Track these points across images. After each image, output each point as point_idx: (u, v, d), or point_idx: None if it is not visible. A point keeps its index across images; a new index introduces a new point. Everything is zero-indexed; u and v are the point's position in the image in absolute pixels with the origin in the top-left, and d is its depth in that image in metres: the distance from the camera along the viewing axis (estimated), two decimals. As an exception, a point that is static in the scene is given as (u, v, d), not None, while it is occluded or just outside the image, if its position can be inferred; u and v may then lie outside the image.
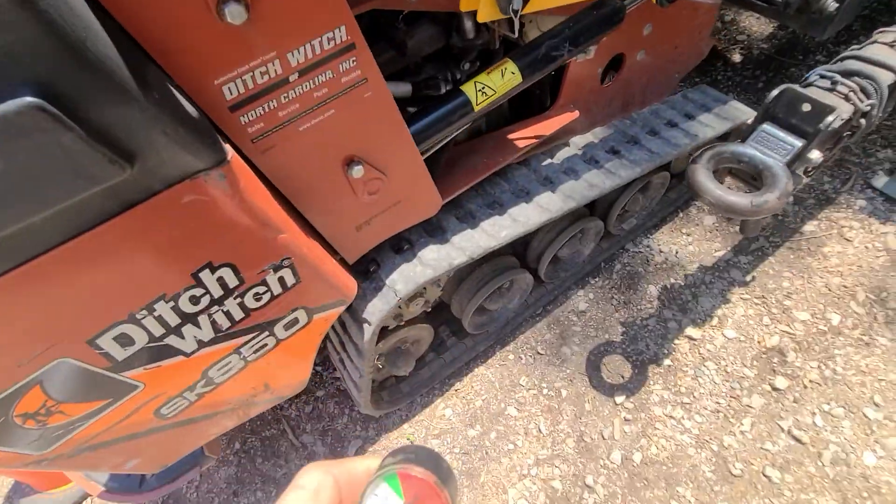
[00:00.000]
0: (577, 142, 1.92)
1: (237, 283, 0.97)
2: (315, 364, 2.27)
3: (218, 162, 0.78)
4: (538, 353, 2.07)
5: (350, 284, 1.25)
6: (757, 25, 3.18)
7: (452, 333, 2.14)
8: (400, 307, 1.63)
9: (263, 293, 1.04)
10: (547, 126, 1.71)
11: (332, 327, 1.67)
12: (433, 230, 1.55)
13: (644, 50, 1.91)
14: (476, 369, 1.97)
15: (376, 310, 1.39)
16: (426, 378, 1.91)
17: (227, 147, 0.81)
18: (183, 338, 0.98)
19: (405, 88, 1.28)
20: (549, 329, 2.03)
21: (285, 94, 0.85)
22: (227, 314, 1.02)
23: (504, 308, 2.00)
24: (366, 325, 1.41)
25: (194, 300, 0.93)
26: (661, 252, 2.35)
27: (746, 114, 2.01)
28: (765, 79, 2.87)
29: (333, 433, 2.06)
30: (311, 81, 0.86)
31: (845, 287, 2.07)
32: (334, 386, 2.19)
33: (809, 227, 2.29)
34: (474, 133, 1.75)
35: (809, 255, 2.19)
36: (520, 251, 2.14)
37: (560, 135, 1.92)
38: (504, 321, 1.99)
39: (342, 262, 1.33)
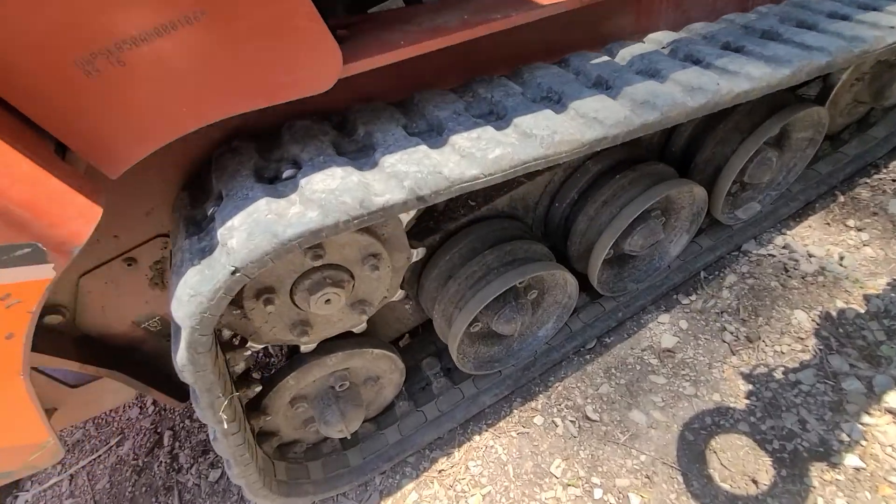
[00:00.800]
0: (659, 38, 1.08)
1: None
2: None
3: None
4: (587, 417, 1.17)
5: (73, 208, 0.50)
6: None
7: (443, 372, 1.31)
8: (298, 306, 0.84)
9: None
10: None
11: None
12: (355, 149, 0.78)
13: None
14: (477, 437, 1.13)
15: (188, 291, 0.62)
16: (390, 445, 1.13)
17: None
18: None
19: None
20: (607, 377, 1.16)
21: None
22: None
23: (529, 334, 1.15)
24: (181, 326, 0.65)
25: None
26: (810, 258, 1.38)
27: None
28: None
29: (239, 523, 1.27)
30: None
31: None
32: (258, 442, 1.41)
33: None
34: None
35: None
36: (558, 238, 1.29)
37: (624, 25, 1.10)
38: (528, 357, 1.13)
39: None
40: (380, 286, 0.93)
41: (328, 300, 0.83)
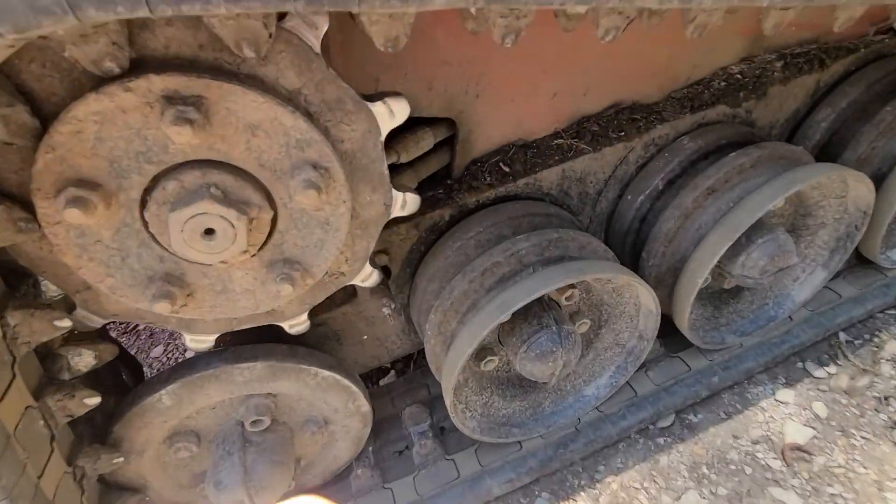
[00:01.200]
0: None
1: None
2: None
3: None
4: (664, 547, 0.67)
5: None
6: None
7: (433, 432, 0.86)
8: (154, 236, 0.44)
9: None
10: None
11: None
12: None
13: None
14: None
15: None
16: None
17: None
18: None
19: None
20: (696, 479, 0.69)
21: None
22: None
23: (571, 390, 0.70)
24: None
25: None
26: None
27: None
28: None
29: None
30: None
31: None
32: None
33: None
34: None
35: None
36: (626, 248, 0.87)
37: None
38: (566, 426, 0.70)
39: None
40: (327, 240, 0.52)
41: (210, 231, 0.43)
